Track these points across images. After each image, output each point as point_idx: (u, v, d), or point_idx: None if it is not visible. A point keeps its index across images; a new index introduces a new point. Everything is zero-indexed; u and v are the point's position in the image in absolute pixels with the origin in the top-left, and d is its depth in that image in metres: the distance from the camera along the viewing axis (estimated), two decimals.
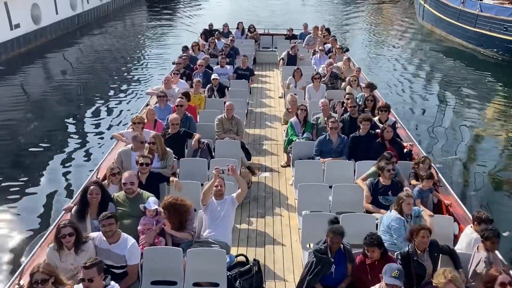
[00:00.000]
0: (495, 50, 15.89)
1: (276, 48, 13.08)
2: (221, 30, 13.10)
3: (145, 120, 6.07)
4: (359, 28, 21.88)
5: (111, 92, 12.99)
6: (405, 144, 6.01)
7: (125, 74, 14.93)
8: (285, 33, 13.53)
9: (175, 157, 5.58)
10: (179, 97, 6.74)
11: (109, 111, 11.40)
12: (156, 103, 7.28)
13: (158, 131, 6.06)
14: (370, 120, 5.92)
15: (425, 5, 21.49)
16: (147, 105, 7.60)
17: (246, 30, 13.52)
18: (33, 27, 17.40)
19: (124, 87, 13.47)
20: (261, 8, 26.28)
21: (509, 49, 15.21)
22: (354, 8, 28.97)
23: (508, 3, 16.46)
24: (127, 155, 5.24)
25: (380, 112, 6.52)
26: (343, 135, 6.04)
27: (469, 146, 9.68)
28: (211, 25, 13.44)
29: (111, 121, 10.75)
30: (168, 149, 5.44)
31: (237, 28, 13.58)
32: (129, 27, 23.07)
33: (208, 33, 12.81)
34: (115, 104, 11.94)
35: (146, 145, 5.28)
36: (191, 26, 22.49)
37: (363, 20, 24.09)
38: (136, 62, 16.59)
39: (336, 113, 6.97)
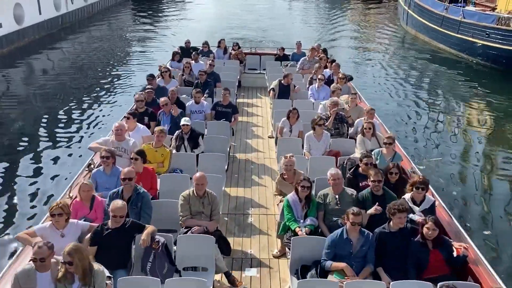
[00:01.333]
0: (478, 56, 16.20)
1: (264, 70, 10.93)
2: (200, 48, 10.98)
3: (70, 209, 3.98)
4: (343, 34, 21.97)
5: (93, 95, 12.79)
6: (455, 245, 4.02)
7: (108, 76, 14.74)
8: (275, 52, 11.59)
9: (109, 276, 3.54)
10: (132, 158, 4.90)
11: (90, 114, 11.18)
12: (98, 165, 5.11)
13: (97, 216, 4.29)
14: (406, 211, 4.03)
15: (409, 10, 21.81)
16: (89, 166, 5.35)
17: (230, 48, 11.39)
18: (15, 27, 17.08)
19: (107, 89, 13.27)
20: (246, 12, 26.28)
21: (491, 55, 15.52)
22: (339, 13, 29.26)
23: (490, 10, 16.86)
24: (28, 279, 3.31)
25: (414, 189, 4.43)
26: (365, 231, 4.05)
27: (455, 152, 9.74)
28: (188, 43, 11.31)
29: (92, 124, 10.54)
30: (96, 266, 3.42)
31: (219, 46, 11.33)
32: (114, 28, 22.81)
33: (184, 53, 10.66)
34: (97, 107, 11.74)
35: (60, 263, 3.34)
36: (176, 28, 22.43)
37: (348, 26, 24.30)
38: (120, 63, 16.42)
39: (346, 169, 5.24)
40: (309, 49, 10.20)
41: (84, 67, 15.79)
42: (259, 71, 11.32)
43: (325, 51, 10.77)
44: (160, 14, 26.72)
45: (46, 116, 10.98)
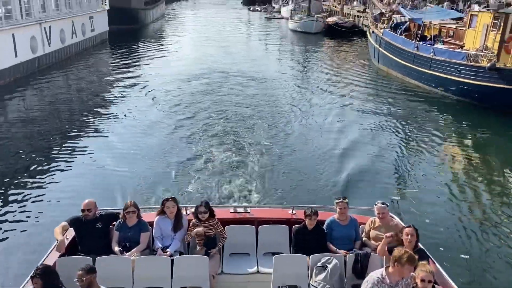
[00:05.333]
0: (451, 91, 17.01)
1: None
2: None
3: None
4: (317, 73, 22.50)
5: (68, 137, 12.46)
6: None
7: (84, 118, 14.40)
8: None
9: None
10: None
11: (65, 159, 10.83)
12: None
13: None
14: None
15: (380, 49, 22.80)
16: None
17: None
18: None
19: (82, 132, 12.98)
20: (223, 57, 26.70)
21: (463, 90, 16.34)
22: (313, 52, 30.35)
23: (458, 48, 17.89)
24: None
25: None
26: None
27: (431, 185, 9.99)
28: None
29: (66, 171, 10.15)
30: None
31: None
32: (92, 70, 22.70)
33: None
34: (71, 152, 11.39)
35: None
36: (154, 69, 22.56)
37: (321, 65, 24.92)
38: (96, 105, 16.08)
39: None
40: None
41: (59, 108, 15.55)
42: None
43: None
44: (138, 54, 26.85)
45: (11, 163, 10.51)
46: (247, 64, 24.41)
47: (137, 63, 23.90)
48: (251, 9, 72.37)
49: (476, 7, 18.44)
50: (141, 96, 17.03)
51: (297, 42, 35.30)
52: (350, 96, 17.69)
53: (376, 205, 5.23)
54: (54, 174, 9.97)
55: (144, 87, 18.17)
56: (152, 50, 28.69)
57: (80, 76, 20.94)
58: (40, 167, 10.31)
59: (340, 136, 12.92)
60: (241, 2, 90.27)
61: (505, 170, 10.93)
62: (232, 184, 9.39)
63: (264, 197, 8.83)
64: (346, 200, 5.31)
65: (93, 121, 13.95)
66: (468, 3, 30.05)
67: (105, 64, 24.46)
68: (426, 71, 18.04)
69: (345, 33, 36.70)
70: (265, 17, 57.83)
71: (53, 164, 10.47)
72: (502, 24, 15.39)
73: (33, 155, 11.03)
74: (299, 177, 10.02)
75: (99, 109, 15.32)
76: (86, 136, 12.60)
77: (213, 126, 13.34)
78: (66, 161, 10.74)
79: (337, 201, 5.33)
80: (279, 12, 60.45)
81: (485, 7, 17.53)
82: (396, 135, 13.48)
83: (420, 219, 8.08)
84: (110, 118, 14.29)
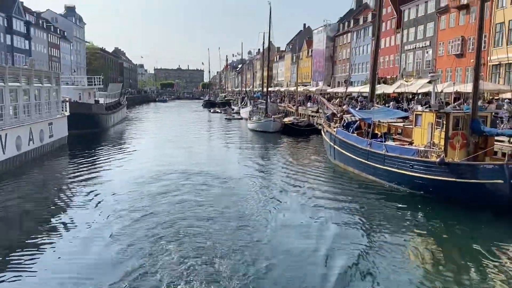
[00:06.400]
0: (405, 185, 17.65)
1: None
2: None
3: None
4: (275, 172, 22.92)
5: (20, 250, 11.66)
6: None
7: (39, 227, 13.66)
8: None
9: None
10: None
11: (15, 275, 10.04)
12: None
13: None
14: None
15: (335, 146, 23.81)
16: None
17: None
18: None
19: (37, 243, 12.22)
20: (184, 157, 26.98)
21: (416, 184, 16.99)
22: (271, 150, 31.21)
23: (408, 144, 18.96)
24: None
25: None
26: None
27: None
28: None
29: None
30: None
31: None
32: (46, 177, 22.05)
33: None
34: (21, 265, 10.63)
35: None
36: (113, 173, 22.27)
37: (279, 163, 25.51)
38: (46, 214, 15.20)
39: None
40: None
41: (11, 217, 14.76)
42: None
43: None
44: (98, 159, 26.53)
45: None
46: (209, 164, 24.63)
47: (94, 168, 23.49)
48: (211, 111, 75.33)
49: (419, 107, 19.97)
50: (95, 202, 16.41)
51: (257, 141, 36.42)
52: (311, 194, 17.87)
53: None
54: None
55: (98, 194, 17.57)
56: (111, 153, 28.59)
57: (33, 183, 20.23)
58: None
59: (303, 236, 12.82)
60: (202, 105, 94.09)
61: (463, 262, 11.07)
62: None
63: None
64: None
65: (42, 232, 13.18)
66: (412, 102, 32.60)
67: (60, 169, 23.89)
68: (381, 166, 18.80)
69: (301, 132, 38.49)
70: (225, 118, 60.07)
71: None
72: (444, 122, 16.64)
73: None
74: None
75: (50, 219, 14.53)
76: (29, 252, 11.66)
77: (173, 231, 12.93)
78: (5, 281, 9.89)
79: None
80: (239, 113, 63.15)
81: (427, 107, 19.00)
82: (355, 229, 13.56)
83: None
84: (59, 230, 13.48)
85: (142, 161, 25.60)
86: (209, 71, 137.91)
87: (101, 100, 45.05)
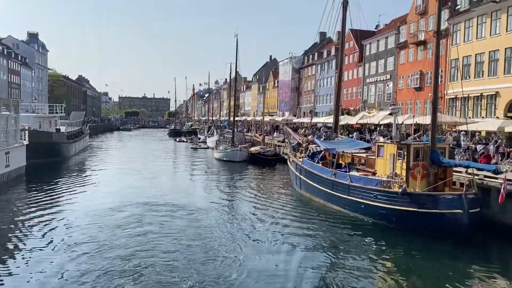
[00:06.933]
0: (369, 215, 17.87)
1: None
2: None
3: None
4: (244, 204, 22.64)
5: None
6: None
7: None
8: None
9: None
10: None
11: None
12: None
13: None
14: None
15: (301, 176, 23.97)
16: None
17: None
18: None
19: None
20: (148, 188, 26.42)
21: (380, 214, 17.24)
22: (238, 181, 31.01)
23: (371, 175, 19.32)
24: None
25: None
26: None
27: None
28: None
29: None
30: None
31: None
32: (1, 208, 20.93)
33: None
34: None
35: None
36: (74, 205, 21.41)
37: (247, 194, 25.26)
38: (3, 249, 14.44)
39: None
40: None
41: None
42: None
43: None
44: (54, 190, 25.47)
45: None
46: (173, 194, 24.18)
47: (52, 200, 22.51)
48: (177, 140, 74.61)
49: (381, 139, 20.50)
50: (50, 236, 15.55)
51: (223, 170, 36.22)
52: (277, 225, 17.79)
53: None
54: None
55: (54, 228, 16.72)
56: (71, 184, 27.59)
57: None
58: None
59: (269, 267, 12.65)
60: (168, 134, 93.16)
61: None
62: None
63: None
64: None
65: None
66: (375, 133, 33.50)
67: (15, 201, 22.67)
68: (345, 196, 19.01)
69: (267, 161, 38.63)
70: (191, 148, 59.60)
71: None
72: (405, 153, 17.12)
73: None
74: None
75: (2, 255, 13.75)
76: None
77: (132, 265, 12.44)
78: None
79: None
80: (205, 142, 62.87)
81: (389, 138, 19.53)
82: (320, 260, 13.56)
83: None
84: (9, 268, 12.67)
85: (103, 192, 24.83)
86: (176, 100, 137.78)
87: (63, 129, 43.80)
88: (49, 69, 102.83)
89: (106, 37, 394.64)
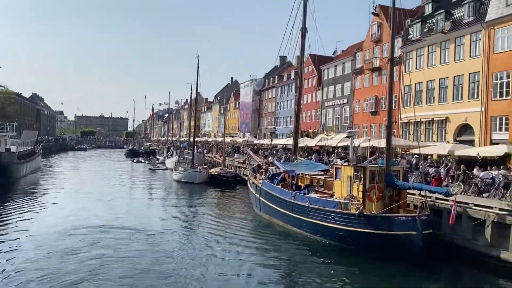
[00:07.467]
0: (327, 236, 18.05)
1: None
2: None
3: None
4: (203, 226, 22.25)
5: None
6: None
7: None
8: None
9: None
10: None
11: None
12: None
13: None
14: None
15: (260, 198, 23.97)
16: None
17: None
18: None
19: None
20: (103, 211, 25.50)
21: (338, 236, 17.46)
22: (197, 203, 30.57)
23: (329, 197, 19.61)
24: None
25: None
26: None
27: None
28: None
29: None
30: None
31: None
32: None
33: None
34: None
35: None
36: (23, 229, 20.31)
37: (206, 217, 24.89)
38: None
39: None
40: None
41: None
42: None
43: None
44: (2, 213, 24.10)
45: None
46: (130, 217, 23.46)
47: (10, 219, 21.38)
48: (135, 160, 72.82)
49: (338, 161, 20.94)
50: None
51: (182, 192, 35.64)
52: (236, 247, 17.62)
53: None
54: None
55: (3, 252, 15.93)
56: (20, 206, 26.19)
57: None
58: None
59: None
60: (125, 154, 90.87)
61: None
62: None
63: None
64: None
65: None
66: (333, 155, 34.17)
67: None
68: (305, 218, 19.14)
69: (227, 182, 38.40)
70: (150, 169, 58.31)
71: None
72: (362, 176, 17.54)
73: None
74: None
75: None
76: None
77: None
78: None
79: None
80: (164, 163, 61.77)
81: (345, 161, 19.97)
82: (278, 282, 13.56)
83: None
84: None
85: (54, 215, 23.74)
86: (134, 120, 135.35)
87: (13, 148, 41.84)
88: (1, 86, 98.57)
89: (63, 54, 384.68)
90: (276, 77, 71.68)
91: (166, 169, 56.47)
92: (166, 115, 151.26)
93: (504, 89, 26.87)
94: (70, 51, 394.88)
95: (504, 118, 26.78)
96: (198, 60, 48.35)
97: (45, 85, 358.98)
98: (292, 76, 62.35)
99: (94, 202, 28.58)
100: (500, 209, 15.35)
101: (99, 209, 25.70)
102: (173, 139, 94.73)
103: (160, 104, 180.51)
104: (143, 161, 70.45)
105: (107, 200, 29.52)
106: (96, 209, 25.61)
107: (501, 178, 17.75)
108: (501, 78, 27.19)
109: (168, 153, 66.79)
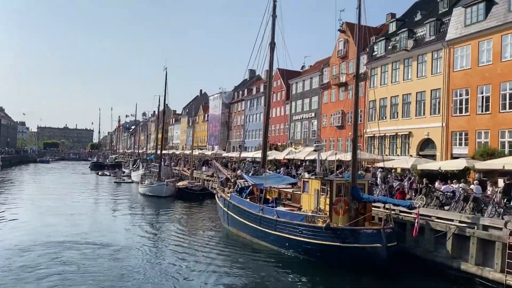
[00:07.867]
0: (295, 250, 18.09)
1: None
2: None
3: None
4: (169, 241, 21.88)
5: None
6: None
7: None
8: None
9: None
10: None
11: None
12: None
13: None
14: None
15: (228, 212, 23.79)
16: None
17: None
18: None
19: None
20: (66, 226, 24.63)
21: (306, 249, 17.53)
22: (164, 217, 30.07)
23: (297, 210, 19.71)
24: None
25: None
26: None
27: None
28: None
29: None
30: None
31: None
32: None
33: None
34: None
35: None
36: None
37: (172, 231, 24.49)
38: None
39: None
40: None
41: None
42: None
43: None
44: None
45: None
46: (93, 232, 22.72)
47: None
48: (99, 173, 70.99)
49: (306, 174, 21.11)
50: None
51: (149, 206, 34.95)
52: (203, 262, 17.42)
53: None
54: None
55: None
56: None
57: None
58: None
59: None
60: (90, 167, 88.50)
61: None
62: None
63: None
64: None
65: None
66: (300, 168, 34.47)
67: None
68: (272, 232, 19.13)
69: (195, 196, 38.01)
70: (115, 182, 56.94)
71: None
72: (329, 189, 17.75)
73: None
74: None
75: None
76: None
77: None
78: None
79: None
80: (129, 176, 60.52)
81: (313, 174, 20.19)
82: None
83: None
84: None
85: (12, 230, 22.71)
86: (100, 131, 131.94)
87: None
88: None
89: (24, 63, 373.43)
90: (246, 90, 72.05)
91: (132, 182, 55.33)
92: (133, 127, 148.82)
93: (464, 106, 27.99)
94: (32, 60, 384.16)
95: (463, 133, 27.86)
96: (166, 72, 48.06)
97: (5, 94, 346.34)
98: (261, 89, 62.83)
99: (55, 217, 27.54)
100: (460, 222, 15.88)
101: (61, 224, 24.80)
102: (139, 151, 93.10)
103: (126, 115, 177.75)
104: (108, 174, 68.80)
105: (70, 215, 28.53)
106: (57, 224, 24.69)
107: (461, 192, 18.39)
108: (460, 95, 28.34)
109: (134, 166, 65.48)
